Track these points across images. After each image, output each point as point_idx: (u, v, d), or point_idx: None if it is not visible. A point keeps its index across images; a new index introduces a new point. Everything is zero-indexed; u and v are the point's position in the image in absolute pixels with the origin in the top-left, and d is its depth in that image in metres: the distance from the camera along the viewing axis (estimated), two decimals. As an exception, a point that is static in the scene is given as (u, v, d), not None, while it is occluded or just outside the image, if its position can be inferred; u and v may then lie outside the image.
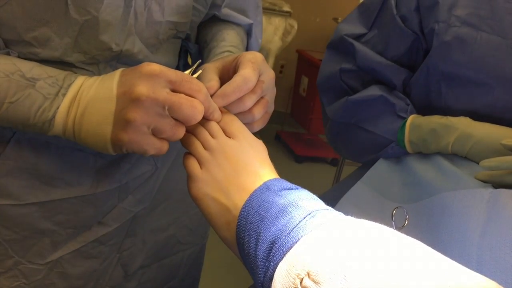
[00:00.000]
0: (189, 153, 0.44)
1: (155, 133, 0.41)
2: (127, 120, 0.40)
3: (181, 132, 0.42)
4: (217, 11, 0.60)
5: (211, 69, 0.48)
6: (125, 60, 0.50)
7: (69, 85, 0.43)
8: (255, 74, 0.46)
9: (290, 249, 0.31)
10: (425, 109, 0.60)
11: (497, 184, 0.48)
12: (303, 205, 0.35)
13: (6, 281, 0.52)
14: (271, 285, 0.32)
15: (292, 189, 0.38)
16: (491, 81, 0.54)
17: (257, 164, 0.41)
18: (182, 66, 0.62)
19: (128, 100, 0.40)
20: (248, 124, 0.47)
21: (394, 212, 0.49)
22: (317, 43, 2.89)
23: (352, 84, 0.66)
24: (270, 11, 2.61)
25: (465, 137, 0.52)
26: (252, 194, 0.38)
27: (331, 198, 0.58)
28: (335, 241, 0.30)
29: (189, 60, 0.64)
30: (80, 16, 0.44)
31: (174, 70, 0.42)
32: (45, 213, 0.51)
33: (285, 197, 0.36)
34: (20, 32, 0.43)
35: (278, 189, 0.37)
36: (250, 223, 0.36)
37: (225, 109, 0.46)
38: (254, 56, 0.47)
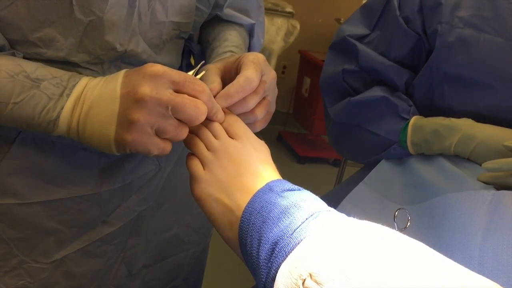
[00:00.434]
0: (192, 153, 0.44)
1: (158, 133, 0.42)
2: (130, 120, 0.40)
3: (184, 132, 0.43)
4: (220, 11, 0.60)
5: (213, 71, 0.48)
6: (129, 60, 0.50)
7: (74, 86, 0.43)
8: (258, 75, 0.46)
9: (293, 250, 0.32)
10: (427, 110, 0.60)
11: (500, 186, 0.48)
12: (305, 206, 0.35)
13: (11, 280, 0.52)
14: (273, 286, 0.32)
15: (294, 190, 0.38)
16: (494, 83, 0.54)
17: (260, 165, 0.41)
18: (185, 66, 0.62)
19: (131, 100, 0.40)
20: (250, 125, 0.47)
21: (396, 213, 0.49)
22: (320, 44, 2.88)
23: (354, 85, 0.66)
24: (272, 11, 2.61)
25: (468, 139, 0.52)
26: (254, 195, 0.38)
27: (333, 199, 0.58)
28: (337, 242, 0.30)
29: (192, 61, 0.65)
30: (85, 16, 0.44)
31: (177, 71, 0.42)
32: (49, 212, 0.52)
33: (287, 198, 0.36)
34: (25, 32, 0.43)
35: (281, 190, 0.38)
36: (253, 224, 0.36)
37: (228, 109, 0.46)
38: (256, 57, 0.48)
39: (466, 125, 0.53)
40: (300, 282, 0.29)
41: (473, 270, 0.27)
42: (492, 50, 0.53)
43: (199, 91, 0.42)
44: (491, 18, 0.53)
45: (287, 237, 0.33)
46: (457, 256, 0.43)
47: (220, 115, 0.44)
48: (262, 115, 0.49)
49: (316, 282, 0.28)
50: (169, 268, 0.69)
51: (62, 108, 0.42)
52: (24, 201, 0.50)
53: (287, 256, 0.32)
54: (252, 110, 0.47)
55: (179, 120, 0.42)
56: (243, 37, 0.62)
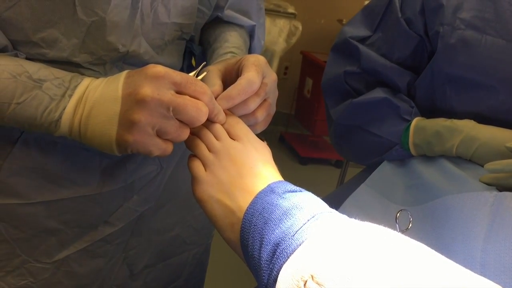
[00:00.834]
0: (193, 155, 0.45)
1: (159, 134, 0.42)
2: (132, 121, 0.40)
3: (185, 133, 0.43)
4: (220, 12, 0.60)
5: (214, 72, 0.48)
6: (131, 60, 0.51)
7: (75, 87, 0.44)
8: (259, 77, 0.46)
9: (294, 251, 0.32)
10: (429, 112, 0.60)
11: (502, 187, 0.48)
12: (307, 208, 0.35)
13: (14, 279, 0.52)
14: None
15: (296, 191, 0.38)
16: (496, 84, 0.54)
17: (261, 166, 0.41)
18: (186, 67, 0.62)
19: (133, 101, 0.40)
20: (250, 126, 0.47)
21: (398, 214, 0.49)
22: (322, 45, 2.88)
23: (356, 86, 0.66)
24: (274, 12, 2.61)
25: (470, 140, 0.52)
26: (256, 197, 0.38)
27: (335, 201, 0.58)
28: (338, 244, 0.30)
29: (193, 62, 0.65)
30: (88, 17, 0.44)
31: (179, 72, 0.42)
32: (52, 212, 0.52)
33: (289, 199, 0.36)
34: (28, 33, 0.44)
35: (282, 191, 0.38)
36: (254, 225, 0.36)
37: (229, 111, 0.46)
38: (257, 59, 0.48)
39: (468, 126, 0.53)
40: (302, 284, 0.29)
41: (475, 272, 0.27)
42: (493, 51, 0.53)
43: (200, 93, 0.42)
44: (493, 19, 0.53)
45: (289, 238, 0.33)
46: (459, 257, 0.43)
47: (222, 116, 0.44)
48: (263, 117, 0.49)
49: (317, 283, 0.28)
50: (171, 269, 0.69)
51: (64, 109, 0.43)
52: (26, 201, 0.50)
53: (288, 257, 0.32)
54: (253, 112, 0.47)
55: (180, 121, 0.42)
56: (243, 38, 0.62)
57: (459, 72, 0.56)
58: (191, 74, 0.48)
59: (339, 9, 2.90)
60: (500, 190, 0.47)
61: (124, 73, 0.43)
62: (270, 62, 2.53)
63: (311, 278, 0.28)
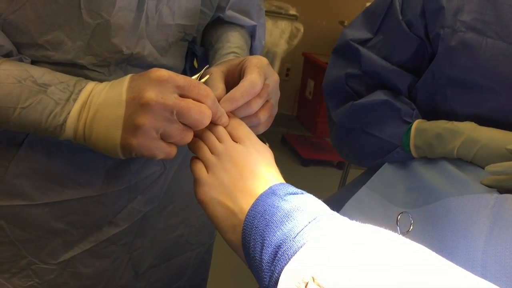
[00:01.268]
0: (195, 157, 0.45)
1: (163, 137, 0.42)
2: (136, 124, 0.41)
3: (189, 136, 0.43)
4: (222, 13, 0.61)
5: (217, 76, 0.49)
6: (135, 62, 0.51)
7: (80, 91, 0.44)
8: (261, 78, 0.47)
9: (295, 253, 0.32)
10: (430, 114, 0.61)
11: (503, 189, 0.48)
12: (308, 210, 0.35)
13: (20, 281, 0.53)
14: (276, 289, 0.32)
15: (297, 193, 0.38)
16: (497, 86, 0.54)
17: (263, 169, 0.42)
18: (188, 68, 0.63)
19: (137, 105, 0.41)
20: (252, 127, 0.48)
21: (399, 217, 0.49)
22: (323, 47, 2.88)
23: (357, 89, 0.66)
24: (276, 14, 2.62)
25: (471, 142, 0.52)
26: (257, 199, 0.38)
27: (336, 203, 0.58)
28: (340, 246, 0.30)
29: (195, 63, 0.65)
30: (93, 19, 0.45)
31: (182, 75, 0.42)
32: (57, 213, 0.52)
33: (290, 201, 0.37)
34: (34, 35, 0.44)
35: (284, 193, 0.38)
36: (256, 227, 0.36)
37: (232, 113, 0.46)
38: (260, 60, 0.48)
39: (469, 128, 0.53)
40: (303, 286, 0.29)
41: (476, 274, 0.27)
42: (494, 53, 0.53)
43: (203, 96, 0.42)
44: (494, 22, 0.54)
45: (290, 240, 0.33)
46: (460, 259, 0.43)
47: (224, 119, 0.45)
48: (265, 118, 0.49)
49: (318, 285, 0.28)
50: (174, 269, 0.69)
51: (68, 113, 0.43)
52: (32, 203, 0.51)
53: (290, 259, 0.32)
54: (256, 113, 0.48)
55: (184, 124, 0.42)
56: (245, 38, 0.63)
57: (459, 74, 0.56)
58: (194, 77, 0.48)
59: (340, 11, 2.90)
60: (501, 192, 0.47)
61: (127, 77, 0.43)
62: (272, 63, 2.53)
63: (312, 280, 0.29)
